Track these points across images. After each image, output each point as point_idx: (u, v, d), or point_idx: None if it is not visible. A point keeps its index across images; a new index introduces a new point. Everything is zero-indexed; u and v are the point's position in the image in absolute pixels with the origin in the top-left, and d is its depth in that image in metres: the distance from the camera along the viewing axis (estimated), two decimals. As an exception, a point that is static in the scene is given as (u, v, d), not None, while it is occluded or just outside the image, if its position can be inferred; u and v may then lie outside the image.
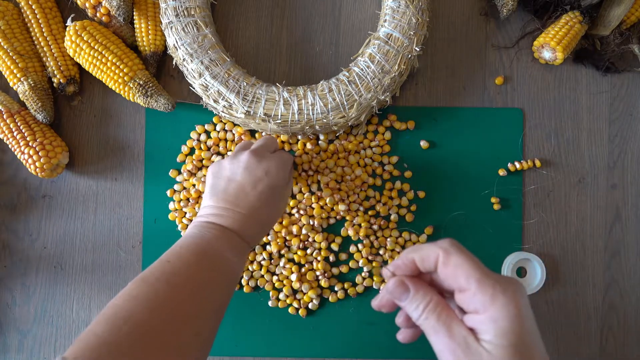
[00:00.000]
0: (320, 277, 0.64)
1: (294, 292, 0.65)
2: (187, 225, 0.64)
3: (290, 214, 0.65)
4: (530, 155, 0.65)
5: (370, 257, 0.64)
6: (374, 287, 0.64)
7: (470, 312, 0.35)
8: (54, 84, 0.63)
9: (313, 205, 0.64)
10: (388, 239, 0.64)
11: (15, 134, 0.61)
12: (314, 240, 0.64)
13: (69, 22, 0.61)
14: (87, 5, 0.62)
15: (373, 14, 0.66)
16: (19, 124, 0.61)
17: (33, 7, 0.62)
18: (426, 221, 0.65)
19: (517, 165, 0.64)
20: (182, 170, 0.65)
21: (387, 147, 0.65)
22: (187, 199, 0.64)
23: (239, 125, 0.64)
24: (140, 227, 0.65)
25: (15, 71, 0.61)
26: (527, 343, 0.33)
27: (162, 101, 0.61)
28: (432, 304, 0.36)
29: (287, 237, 0.64)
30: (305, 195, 0.64)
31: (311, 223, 0.64)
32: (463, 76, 0.66)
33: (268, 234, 0.64)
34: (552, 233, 0.65)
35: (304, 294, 0.64)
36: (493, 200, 0.65)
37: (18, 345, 0.65)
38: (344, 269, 0.64)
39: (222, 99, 0.60)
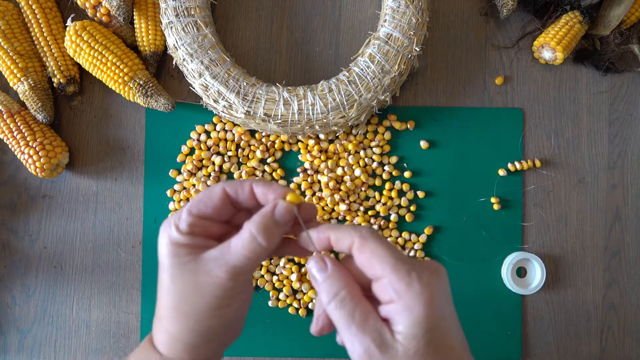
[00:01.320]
0: (320, 277, 0.64)
1: (294, 292, 0.65)
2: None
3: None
4: (530, 155, 0.65)
5: (370, 257, 0.64)
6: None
7: (385, 302, 0.33)
8: (54, 84, 0.63)
9: (313, 205, 0.64)
10: (388, 239, 0.64)
11: (15, 134, 0.61)
12: (314, 240, 0.64)
13: (69, 22, 0.61)
14: (87, 5, 0.62)
15: (373, 14, 0.66)
16: (19, 124, 0.61)
17: (33, 7, 0.62)
18: (426, 221, 0.65)
19: (517, 165, 0.64)
20: (182, 170, 0.65)
21: (387, 147, 0.65)
22: (187, 199, 0.64)
23: (239, 125, 0.64)
24: (140, 227, 0.65)
25: (15, 71, 0.61)
26: (442, 329, 0.32)
27: (162, 101, 0.61)
28: (347, 290, 0.33)
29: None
30: (306, 197, 0.64)
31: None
32: (463, 76, 0.66)
33: None
34: (552, 233, 0.65)
35: (304, 294, 0.64)
36: (493, 200, 0.65)
37: (18, 345, 0.65)
38: (344, 269, 0.64)
39: (222, 99, 0.60)
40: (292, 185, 0.65)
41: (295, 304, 0.64)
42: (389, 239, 0.64)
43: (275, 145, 0.65)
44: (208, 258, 0.35)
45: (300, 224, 0.35)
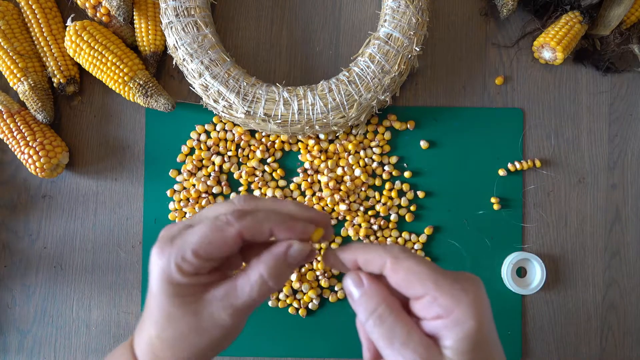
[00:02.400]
0: (320, 277, 0.64)
1: (294, 292, 0.65)
2: (187, 225, 0.64)
3: (290, 214, 0.65)
4: (530, 155, 0.65)
5: (370, 257, 0.64)
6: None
7: (429, 318, 0.31)
8: (54, 84, 0.63)
9: (314, 207, 0.64)
10: (388, 239, 0.64)
11: (15, 134, 0.61)
12: (314, 240, 0.64)
13: (69, 22, 0.61)
14: (87, 5, 0.62)
15: (373, 14, 0.66)
16: (19, 124, 0.61)
17: (33, 7, 0.62)
18: (426, 221, 0.65)
19: (517, 165, 0.64)
20: (182, 170, 0.65)
21: (387, 147, 0.65)
22: (187, 199, 0.64)
23: (239, 125, 0.64)
24: (140, 227, 0.65)
25: (15, 71, 0.61)
26: (489, 342, 0.31)
27: (162, 101, 0.61)
28: (385, 305, 0.31)
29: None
30: (306, 197, 0.64)
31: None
32: (463, 76, 0.66)
33: None
34: (552, 233, 0.65)
35: (304, 294, 0.64)
36: (493, 200, 0.65)
37: (18, 345, 0.65)
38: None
39: (222, 99, 0.60)
40: (292, 186, 0.65)
41: (295, 304, 0.64)
42: (398, 239, 0.64)
43: (275, 145, 0.65)
44: (212, 299, 0.33)
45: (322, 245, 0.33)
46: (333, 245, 0.64)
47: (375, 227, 0.64)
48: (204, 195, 0.64)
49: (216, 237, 0.31)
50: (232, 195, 0.65)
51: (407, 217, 0.65)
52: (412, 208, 0.65)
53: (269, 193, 0.64)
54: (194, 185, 0.65)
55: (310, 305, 0.64)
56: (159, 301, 0.33)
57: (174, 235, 0.33)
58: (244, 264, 0.37)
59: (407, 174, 0.65)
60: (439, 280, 0.31)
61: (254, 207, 0.33)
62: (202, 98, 0.61)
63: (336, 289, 0.64)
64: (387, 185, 0.65)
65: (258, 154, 0.64)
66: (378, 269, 0.32)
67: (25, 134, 0.61)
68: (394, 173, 0.65)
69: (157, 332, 0.34)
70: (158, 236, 0.34)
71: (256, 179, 0.64)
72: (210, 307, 0.32)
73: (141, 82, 0.61)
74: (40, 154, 0.60)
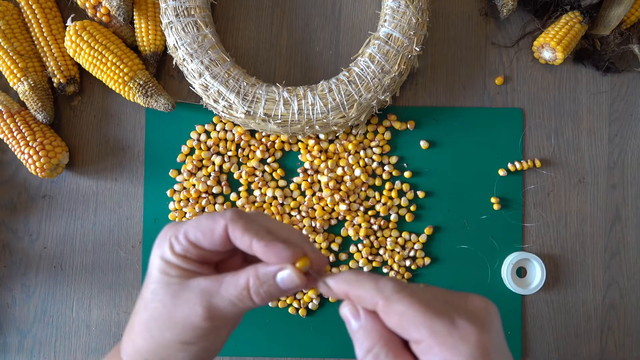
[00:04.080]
0: (320, 277, 0.64)
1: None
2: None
3: (291, 215, 0.65)
4: (530, 155, 0.65)
5: (370, 257, 0.64)
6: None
7: None
8: (54, 84, 0.63)
9: (315, 207, 0.64)
10: (388, 239, 0.64)
11: (15, 134, 0.61)
12: (315, 241, 0.64)
13: (69, 22, 0.61)
14: (87, 5, 0.62)
15: (373, 14, 0.66)
16: (19, 124, 0.61)
17: (33, 7, 0.62)
18: (426, 221, 0.65)
19: (517, 165, 0.64)
20: (182, 170, 0.65)
21: (387, 147, 0.65)
22: (187, 199, 0.64)
23: (239, 125, 0.64)
24: (140, 227, 0.65)
25: (15, 71, 0.61)
26: None
27: (162, 101, 0.61)
28: (381, 345, 0.29)
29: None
30: (306, 197, 0.64)
31: (313, 225, 0.64)
32: (463, 76, 0.66)
33: None
34: (552, 233, 0.65)
35: (304, 294, 0.64)
36: (493, 200, 0.65)
37: (18, 345, 0.65)
38: (344, 269, 0.64)
39: (222, 99, 0.60)
40: (292, 186, 0.64)
41: (295, 304, 0.64)
42: (398, 239, 0.64)
43: (275, 145, 0.65)
44: (194, 286, 0.32)
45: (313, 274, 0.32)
46: (333, 246, 0.64)
47: (375, 227, 0.64)
48: (204, 195, 0.64)
49: (207, 225, 0.32)
50: (232, 195, 0.65)
51: (407, 217, 0.65)
52: (412, 208, 0.65)
53: (269, 193, 0.64)
54: (194, 185, 0.65)
55: (310, 305, 0.64)
56: (151, 277, 0.34)
57: (179, 223, 0.34)
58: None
59: (407, 174, 0.65)
60: (434, 326, 0.28)
61: (256, 219, 0.33)
62: (202, 98, 0.61)
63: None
64: (387, 185, 0.65)
65: (258, 154, 0.64)
66: (371, 307, 0.30)
67: (25, 134, 0.61)
68: (394, 173, 0.65)
69: (139, 314, 0.34)
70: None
71: (256, 179, 0.64)
72: (189, 293, 0.32)
73: (141, 82, 0.61)
74: (40, 154, 0.60)
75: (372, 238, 0.64)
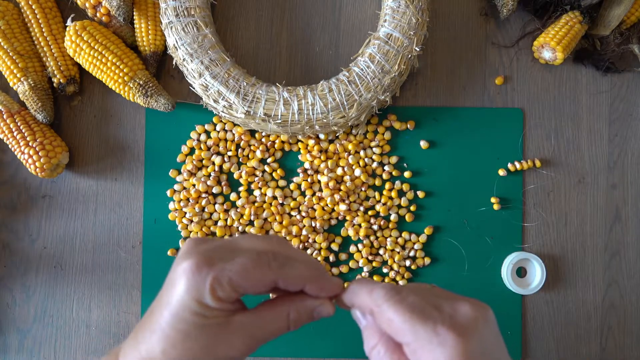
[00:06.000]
0: (320, 277, 0.64)
1: (294, 292, 0.65)
2: (187, 225, 0.64)
3: (291, 215, 0.65)
4: (530, 155, 0.65)
5: (370, 257, 0.64)
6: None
7: None
8: (54, 84, 0.63)
9: (315, 207, 0.64)
10: (388, 239, 0.64)
11: (15, 134, 0.61)
12: (314, 241, 0.64)
13: (69, 22, 0.61)
14: (87, 5, 0.62)
15: (373, 14, 0.66)
16: (19, 124, 0.61)
17: (33, 7, 0.62)
18: (426, 221, 0.65)
19: (517, 165, 0.64)
20: (182, 170, 0.65)
21: (387, 147, 0.65)
22: (187, 199, 0.64)
23: (239, 125, 0.64)
24: (140, 227, 0.65)
25: (15, 71, 0.61)
26: None
27: (162, 101, 0.61)
28: (381, 345, 0.34)
29: (287, 238, 0.64)
30: (306, 197, 0.64)
31: (313, 225, 0.64)
32: (463, 76, 0.66)
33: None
34: (552, 233, 0.65)
35: (304, 294, 0.64)
36: (493, 200, 0.65)
37: (18, 345, 0.65)
38: (344, 269, 0.64)
39: (222, 99, 0.60)
40: (292, 186, 0.64)
41: (295, 304, 0.64)
42: (398, 239, 0.64)
43: (275, 145, 0.65)
44: (236, 326, 0.33)
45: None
46: (333, 246, 0.64)
47: (375, 227, 0.64)
48: (204, 195, 0.64)
49: (255, 275, 0.32)
50: (232, 195, 0.65)
51: (407, 217, 0.65)
52: (412, 208, 0.65)
53: (269, 193, 0.64)
54: (194, 185, 0.65)
55: (310, 305, 0.64)
56: (179, 316, 0.32)
57: (214, 257, 0.32)
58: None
59: (407, 174, 0.65)
60: (418, 332, 0.31)
61: (288, 255, 0.34)
62: (202, 98, 0.61)
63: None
64: (387, 185, 0.65)
65: (258, 154, 0.64)
66: (369, 314, 0.34)
67: (25, 134, 0.61)
68: (394, 173, 0.65)
69: (165, 347, 0.32)
70: (190, 248, 0.33)
71: (256, 179, 0.64)
72: (231, 333, 0.32)
73: (141, 82, 0.61)
74: (40, 154, 0.60)
75: (372, 238, 0.64)
